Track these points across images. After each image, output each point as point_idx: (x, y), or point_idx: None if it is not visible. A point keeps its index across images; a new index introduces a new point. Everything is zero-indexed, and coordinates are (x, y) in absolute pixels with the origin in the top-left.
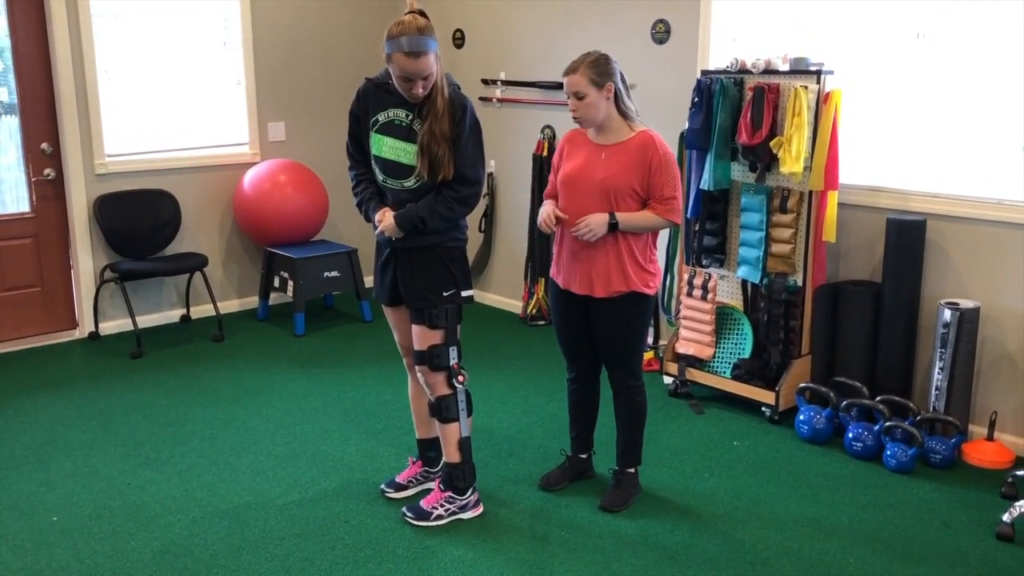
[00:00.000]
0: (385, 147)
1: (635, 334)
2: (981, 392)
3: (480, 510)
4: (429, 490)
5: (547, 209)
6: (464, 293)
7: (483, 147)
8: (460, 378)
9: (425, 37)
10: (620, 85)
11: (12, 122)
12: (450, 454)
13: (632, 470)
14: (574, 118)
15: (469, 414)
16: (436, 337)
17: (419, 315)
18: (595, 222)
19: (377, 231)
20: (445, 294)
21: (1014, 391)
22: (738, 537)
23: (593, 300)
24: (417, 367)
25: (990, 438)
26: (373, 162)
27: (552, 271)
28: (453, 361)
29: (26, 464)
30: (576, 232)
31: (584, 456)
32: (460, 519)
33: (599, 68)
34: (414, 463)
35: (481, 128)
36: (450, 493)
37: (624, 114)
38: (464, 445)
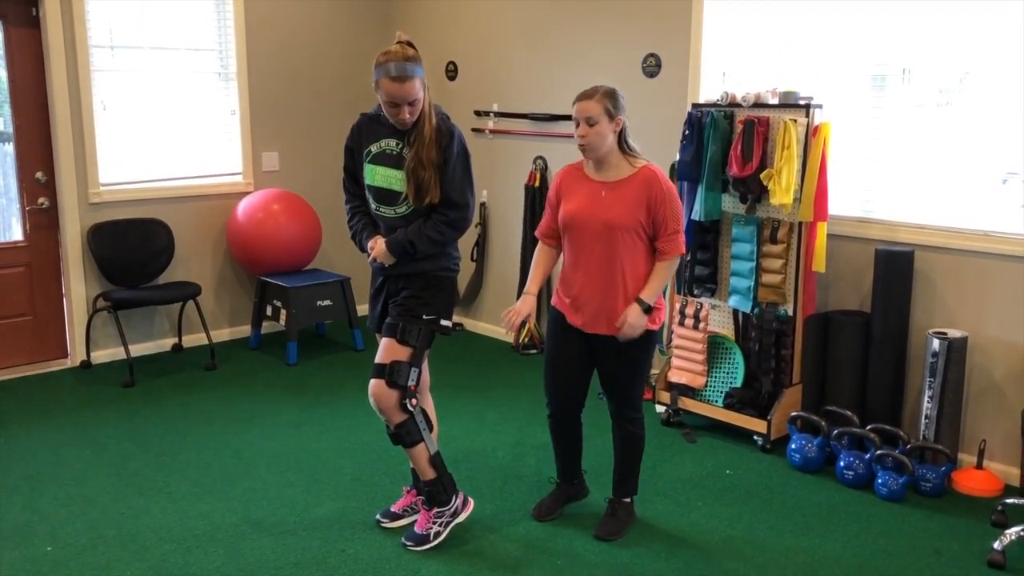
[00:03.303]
0: (377, 176)
1: (641, 369)
2: (970, 421)
3: (471, 506)
4: None
5: (524, 310)
6: (443, 322)
7: (471, 173)
8: (413, 401)
9: (411, 64)
10: (626, 122)
11: (7, 151)
12: (424, 472)
13: (628, 500)
14: (581, 145)
15: (431, 430)
16: (402, 354)
17: (391, 329)
18: (636, 321)
19: (370, 258)
20: (425, 317)
21: (1002, 420)
22: (731, 566)
23: (599, 336)
24: (372, 380)
25: (979, 466)
26: (367, 192)
27: (555, 301)
28: (411, 382)
29: (18, 494)
30: (623, 338)
31: (576, 481)
32: (458, 524)
33: (614, 100)
34: (408, 492)
35: (470, 155)
36: (436, 509)
37: (625, 150)
38: (436, 460)
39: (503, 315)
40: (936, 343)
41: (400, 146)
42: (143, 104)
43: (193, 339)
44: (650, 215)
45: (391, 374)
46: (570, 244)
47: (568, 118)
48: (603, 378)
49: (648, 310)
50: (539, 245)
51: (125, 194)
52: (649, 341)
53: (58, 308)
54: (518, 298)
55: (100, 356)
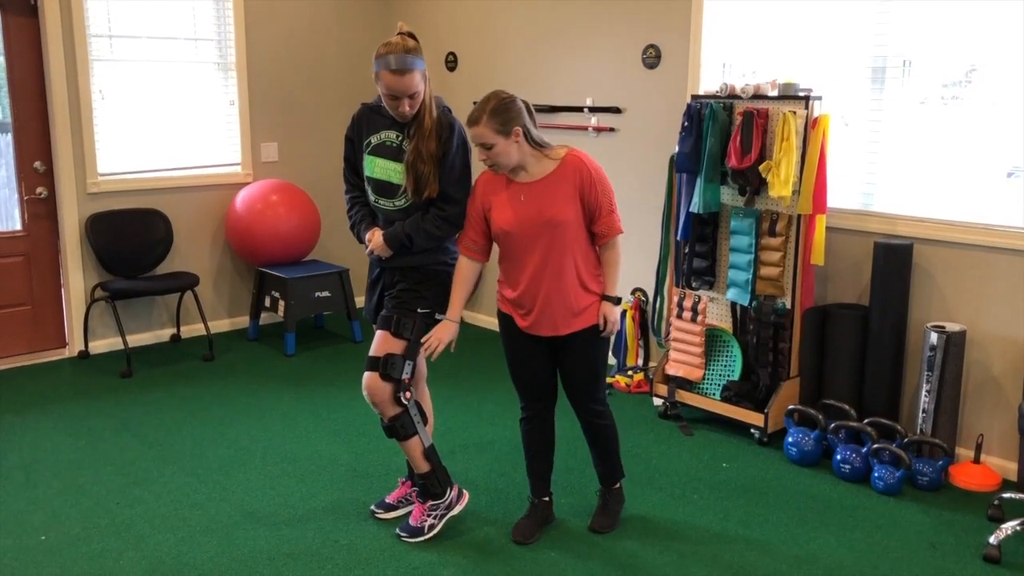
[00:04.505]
0: (376, 167)
1: (602, 361)
2: (967, 415)
3: (466, 499)
4: None
5: (446, 336)
6: (438, 316)
7: (470, 168)
8: (407, 394)
9: (411, 56)
10: (528, 123)
11: (5, 140)
12: (419, 466)
13: (618, 486)
14: (488, 167)
15: (425, 423)
16: (397, 347)
17: (386, 322)
18: (615, 316)
19: (367, 250)
20: (420, 310)
21: (1000, 414)
22: (725, 559)
23: (558, 337)
24: (366, 373)
25: (976, 461)
26: (366, 183)
27: (504, 308)
28: (405, 375)
29: (13, 483)
30: (607, 334)
31: (547, 499)
32: (453, 516)
33: (502, 116)
34: (403, 483)
35: (470, 149)
36: (431, 502)
37: (537, 147)
38: (430, 453)
39: (423, 341)
40: (934, 337)
41: (400, 138)
42: (142, 94)
43: (191, 330)
44: (583, 200)
45: (385, 367)
46: (513, 253)
47: (568, 109)
48: (565, 377)
49: (618, 301)
50: (462, 260)
51: (123, 184)
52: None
53: (56, 298)
54: None
55: (98, 346)
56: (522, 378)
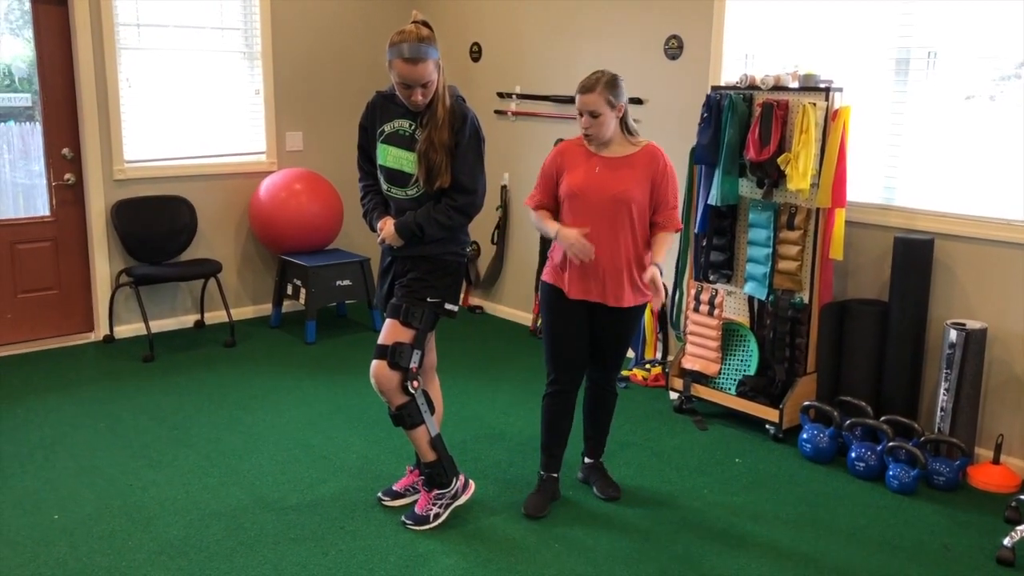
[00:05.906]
0: (389, 156)
1: (632, 335)
2: (988, 414)
3: (472, 488)
4: None
5: (573, 233)
6: (448, 306)
7: (483, 158)
8: (415, 383)
9: (425, 45)
10: (627, 106)
11: (35, 128)
12: (425, 454)
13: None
14: (586, 135)
15: (433, 412)
16: (405, 336)
17: (395, 310)
18: (660, 281)
19: (379, 239)
20: (429, 300)
21: (1021, 414)
22: (733, 554)
23: (605, 308)
24: (374, 361)
25: (996, 461)
26: (379, 172)
27: (550, 276)
28: (413, 364)
29: (32, 462)
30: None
31: (556, 476)
32: (459, 506)
33: (614, 89)
34: (411, 471)
35: (482, 139)
36: (436, 491)
37: (626, 132)
38: (436, 442)
39: (573, 248)
40: (953, 334)
41: (413, 127)
42: (168, 82)
43: (215, 316)
44: (652, 189)
45: (393, 355)
46: (575, 216)
47: None
48: (606, 350)
49: (662, 272)
50: (537, 212)
51: (149, 171)
52: (643, 310)
53: (84, 283)
54: (537, 281)
55: (124, 331)
56: (562, 350)
